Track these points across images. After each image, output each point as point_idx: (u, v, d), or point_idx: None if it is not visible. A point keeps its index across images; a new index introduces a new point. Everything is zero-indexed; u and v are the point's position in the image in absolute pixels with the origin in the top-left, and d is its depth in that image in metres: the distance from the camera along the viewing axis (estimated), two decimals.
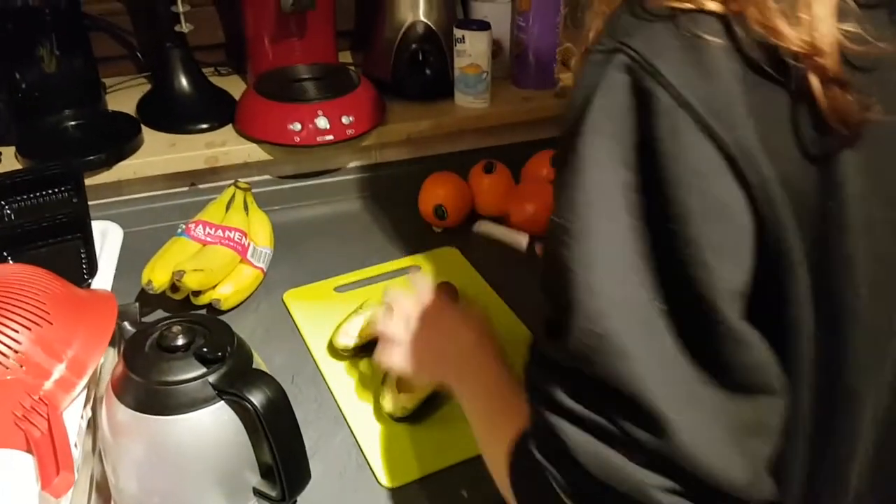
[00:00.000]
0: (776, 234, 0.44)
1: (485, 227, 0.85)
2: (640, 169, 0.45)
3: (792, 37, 0.43)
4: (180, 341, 0.66)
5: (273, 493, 0.68)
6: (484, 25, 1.18)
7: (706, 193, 0.43)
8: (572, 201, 0.46)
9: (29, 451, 0.66)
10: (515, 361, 0.87)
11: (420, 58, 1.23)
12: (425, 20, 1.22)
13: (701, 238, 0.43)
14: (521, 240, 0.82)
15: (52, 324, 0.72)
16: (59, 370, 0.70)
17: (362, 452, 0.79)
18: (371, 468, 0.77)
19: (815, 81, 0.43)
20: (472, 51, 1.19)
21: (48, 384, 0.70)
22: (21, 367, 0.69)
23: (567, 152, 0.47)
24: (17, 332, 0.69)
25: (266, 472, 0.69)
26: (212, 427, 0.65)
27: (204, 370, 0.65)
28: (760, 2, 0.44)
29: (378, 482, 0.76)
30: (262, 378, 0.65)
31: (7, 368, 0.68)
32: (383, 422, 0.82)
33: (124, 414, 0.65)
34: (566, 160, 0.47)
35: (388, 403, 0.81)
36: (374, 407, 0.84)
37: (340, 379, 0.87)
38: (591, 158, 0.46)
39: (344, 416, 0.83)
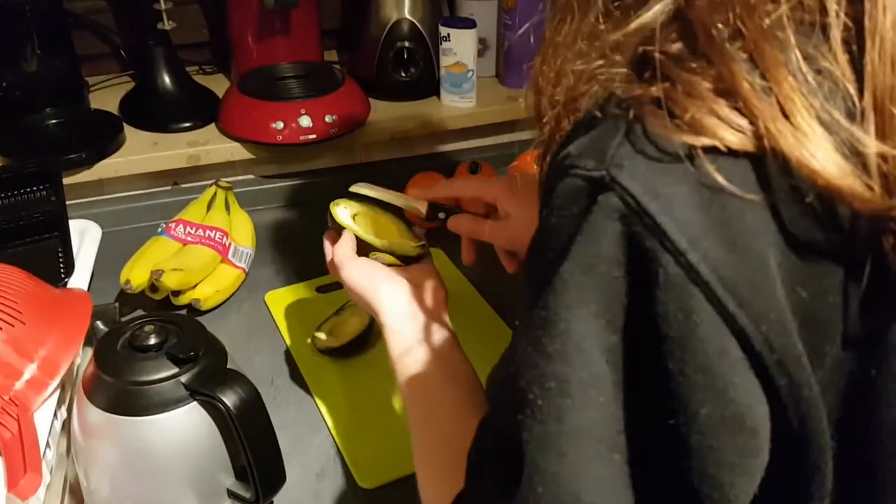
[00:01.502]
0: (803, 430, 0.36)
1: (363, 189, 0.78)
2: (633, 339, 0.36)
3: (856, 189, 0.33)
4: (152, 340, 0.65)
5: (247, 495, 0.67)
6: (470, 23, 1.18)
7: (720, 397, 0.34)
8: (541, 370, 0.37)
9: None
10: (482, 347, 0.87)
11: (405, 56, 1.22)
12: (410, 18, 1.21)
13: (711, 451, 0.35)
14: (419, 206, 0.77)
15: (24, 323, 0.71)
16: (30, 370, 0.69)
17: (340, 453, 0.78)
18: (349, 469, 0.76)
19: (891, 247, 0.34)
20: (457, 49, 1.18)
21: (19, 384, 0.68)
22: None
23: (540, 290, 0.38)
24: None
25: (240, 474, 0.68)
26: (184, 428, 0.64)
27: (176, 370, 0.64)
28: (803, 134, 0.33)
29: (356, 483, 0.75)
30: (236, 378, 0.64)
31: None
32: (362, 422, 0.81)
33: (95, 415, 0.64)
34: (539, 298, 0.38)
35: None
36: (350, 407, 0.83)
37: (321, 380, 0.86)
38: (570, 316, 0.36)
39: (323, 417, 0.82)
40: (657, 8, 0.37)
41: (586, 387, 0.36)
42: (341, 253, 0.72)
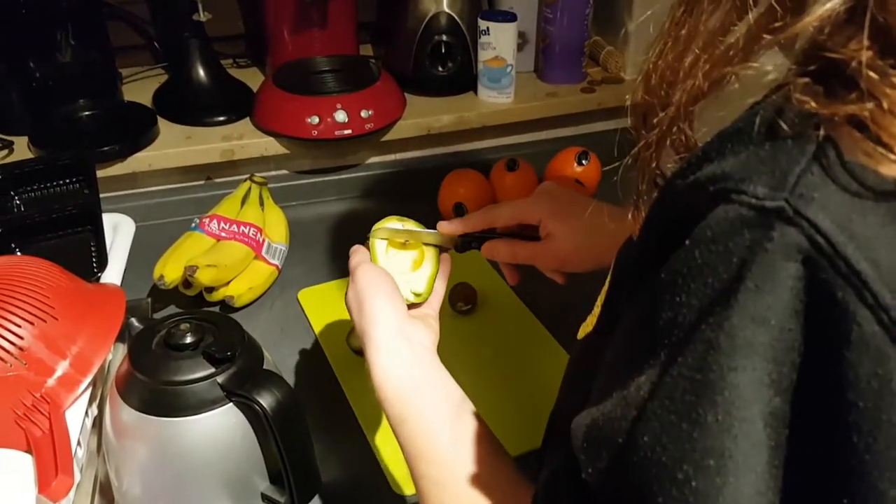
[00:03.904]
0: None
1: (390, 226, 0.71)
2: (803, 403, 0.31)
3: None
4: (188, 339, 0.63)
5: (282, 500, 0.65)
6: (510, 17, 1.15)
7: None
8: (694, 444, 0.31)
9: (28, 451, 0.63)
10: (533, 367, 0.85)
11: (442, 50, 1.20)
12: (449, 11, 1.18)
13: None
14: (450, 242, 0.72)
15: (56, 319, 0.69)
16: (62, 367, 0.68)
17: (376, 458, 0.75)
18: (385, 475, 0.74)
19: None
20: (496, 43, 1.15)
21: (51, 381, 0.67)
22: (23, 363, 0.66)
23: (678, 341, 0.32)
24: (19, 326, 0.67)
25: (275, 478, 0.66)
26: (219, 430, 0.62)
27: (212, 370, 0.62)
28: None
29: (392, 490, 0.72)
30: (273, 379, 0.62)
31: (8, 364, 0.66)
32: None
33: (129, 415, 0.62)
34: (683, 353, 0.32)
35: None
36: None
37: (354, 381, 0.84)
38: (736, 381, 0.31)
39: (358, 421, 0.79)
40: (829, 5, 0.31)
41: (748, 460, 0.31)
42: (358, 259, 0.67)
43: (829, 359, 0.30)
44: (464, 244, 0.74)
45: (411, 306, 0.66)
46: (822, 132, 0.30)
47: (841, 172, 0.30)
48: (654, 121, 0.38)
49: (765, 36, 0.33)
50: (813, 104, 0.31)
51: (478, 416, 0.55)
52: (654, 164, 0.39)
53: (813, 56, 0.32)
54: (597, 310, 0.51)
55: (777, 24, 0.32)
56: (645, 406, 0.33)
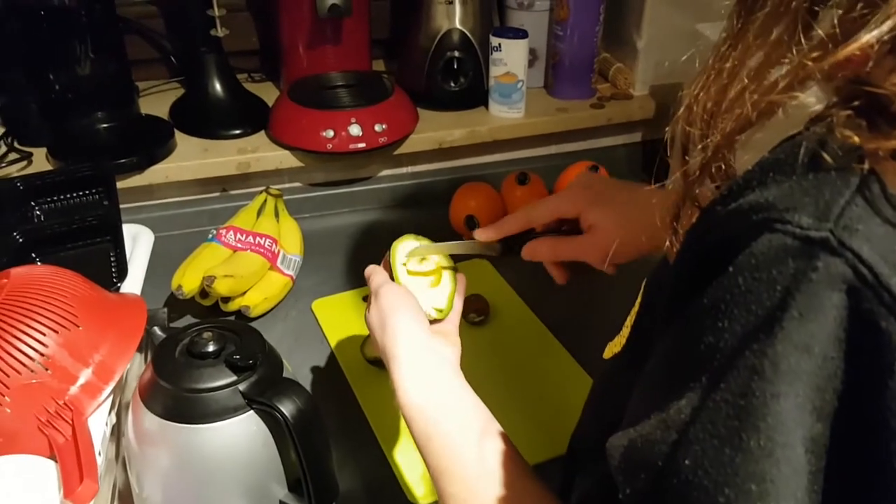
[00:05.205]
0: None
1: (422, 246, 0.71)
2: (846, 430, 0.32)
3: None
4: (211, 348, 0.64)
5: None
6: (521, 34, 1.16)
7: None
8: (737, 468, 0.32)
9: (52, 457, 0.64)
10: (544, 376, 0.86)
11: (455, 66, 1.21)
12: (461, 28, 1.20)
13: None
14: (491, 248, 0.71)
15: (79, 327, 0.70)
16: (85, 375, 0.69)
17: (391, 467, 0.76)
18: (400, 483, 0.74)
19: None
20: (508, 59, 1.17)
21: (74, 389, 0.68)
22: (47, 370, 0.67)
23: (720, 366, 0.33)
24: (44, 334, 0.68)
25: (293, 485, 0.66)
26: (240, 437, 0.63)
27: (234, 378, 0.63)
28: None
29: (407, 498, 0.73)
30: (293, 387, 0.63)
31: (33, 372, 0.66)
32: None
33: (151, 422, 0.63)
34: (725, 378, 0.32)
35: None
36: (400, 419, 0.81)
37: (369, 390, 0.85)
38: (779, 408, 0.31)
39: (372, 429, 0.80)
40: (875, 33, 0.31)
41: (789, 485, 0.32)
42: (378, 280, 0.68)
43: (872, 387, 0.30)
44: (504, 249, 0.73)
45: (432, 322, 0.67)
46: (865, 165, 0.31)
47: (884, 205, 0.31)
48: (700, 147, 0.39)
49: (808, 64, 0.33)
50: (857, 139, 0.31)
51: (503, 434, 0.55)
52: (695, 192, 0.39)
53: (855, 89, 0.32)
54: (626, 331, 0.51)
55: (820, 53, 0.33)
56: (686, 429, 0.34)
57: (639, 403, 0.39)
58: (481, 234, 0.73)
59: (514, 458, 0.53)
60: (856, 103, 0.33)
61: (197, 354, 0.64)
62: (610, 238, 0.68)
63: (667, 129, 0.42)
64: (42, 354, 0.67)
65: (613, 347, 0.53)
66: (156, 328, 0.69)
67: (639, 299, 0.50)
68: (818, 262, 0.30)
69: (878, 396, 0.30)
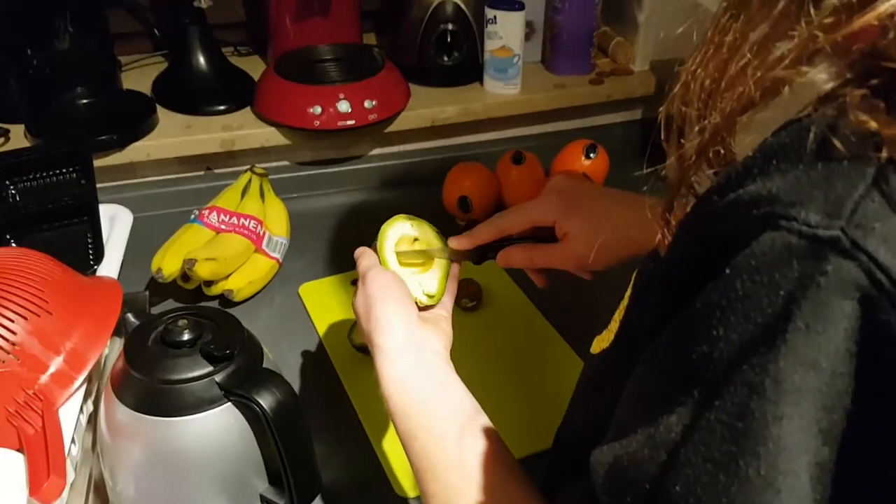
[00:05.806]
0: None
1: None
2: (856, 456, 0.29)
3: None
4: (186, 336, 0.61)
5: (281, 502, 0.63)
6: (518, 5, 1.12)
7: None
8: (733, 498, 0.29)
9: (20, 450, 0.61)
10: (539, 364, 0.83)
11: (448, 39, 1.17)
12: None
13: None
14: (465, 256, 0.70)
15: (50, 313, 0.67)
16: (56, 363, 0.66)
17: (379, 459, 0.73)
18: (388, 476, 0.72)
19: None
20: (503, 32, 1.13)
21: (44, 378, 0.65)
22: (16, 359, 0.64)
23: (710, 381, 0.30)
24: (12, 321, 0.65)
25: (274, 479, 0.64)
26: (217, 430, 0.61)
27: (210, 368, 0.60)
28: None
29: (395, 492, 0.70)
30: (272, 379, 0.60)
31: (1, 361, 0.63)
32: None
33: (123, 414, 0.60)
34: (720, 396, 0.29)
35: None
36: None
37: (357, 379, 0.82)
38: (780, 432, 0.28)
39: (360, 420, 0.77)
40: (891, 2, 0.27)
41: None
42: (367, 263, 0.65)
43: (886, 407, 0.27)
44: (479, 256, 0.71)
45: (424, 308, 0.64)
46: (883, 154, 0.28)
47: None
48: (696, 129, 0.35)
49: (818, 35, 0.29)
50: (873, 123, 0.28)
51: (489, 430, 0.53)
52: (691, 178, 0.36)
53: (872, 65, 0.29)
54: (614, 325, 0.48)
55: (832, 23, 0.29)
56: (677, 451, 0.31)
57: (626, 413, 0.36)
58: (455, 243, 0.70)
59: (497, 458, 0.51)
60: (873, 81, 0.29)
61: (171, 343, 0.61)
62: (586, 246, 0.66)
63: (661, 108, 0.38)
64: (10, 342, 0.64)
65: (601, 342, 0.50)
66: (129, 314, 0.66)
67: (628, 292, 0.47)
68: (827, 265, 0.27)
69: (893, 418, 0.27)
